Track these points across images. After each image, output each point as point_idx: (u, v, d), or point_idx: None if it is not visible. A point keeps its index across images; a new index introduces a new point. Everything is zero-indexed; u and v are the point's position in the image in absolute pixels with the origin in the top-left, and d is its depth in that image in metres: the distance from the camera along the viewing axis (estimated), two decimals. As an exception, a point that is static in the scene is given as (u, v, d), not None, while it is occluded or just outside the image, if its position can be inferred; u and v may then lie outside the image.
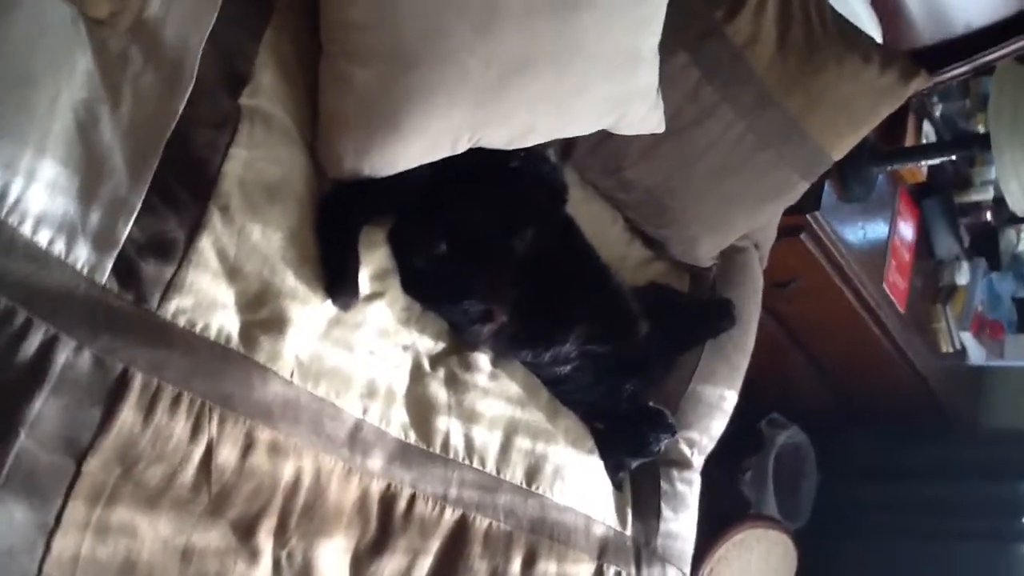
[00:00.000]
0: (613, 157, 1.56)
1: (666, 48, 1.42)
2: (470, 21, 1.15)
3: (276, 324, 1.11)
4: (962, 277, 2.56)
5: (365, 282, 1.24)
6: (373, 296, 1.26)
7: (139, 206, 1.01)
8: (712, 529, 2.13)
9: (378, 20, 1.16)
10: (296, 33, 1.24)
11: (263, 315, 1.11)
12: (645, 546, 1.56)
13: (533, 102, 1.27)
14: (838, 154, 1.70)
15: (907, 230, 2.42)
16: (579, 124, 1.39)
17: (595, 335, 1.49)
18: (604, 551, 1.49)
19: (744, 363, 1.81)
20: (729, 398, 1.78)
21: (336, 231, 1.21)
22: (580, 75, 1.29)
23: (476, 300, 1.35)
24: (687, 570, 1.65)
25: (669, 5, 1.36)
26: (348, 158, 1.22)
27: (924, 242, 2.54)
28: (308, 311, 1.15)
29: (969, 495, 2.49)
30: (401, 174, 1.25)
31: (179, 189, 1.06)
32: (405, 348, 1.32)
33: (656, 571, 1.55)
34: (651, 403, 1.62)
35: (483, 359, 1.42)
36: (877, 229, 2.31)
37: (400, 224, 1.32)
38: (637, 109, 1.41)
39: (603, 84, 1.34)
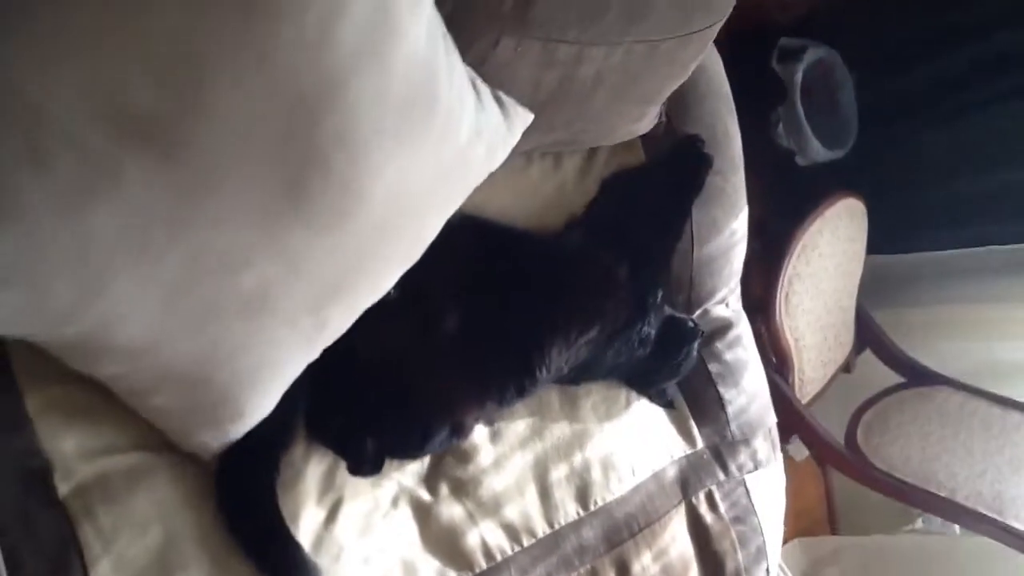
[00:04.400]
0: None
1: (484, 42, 0.95)
2: (241, 314, 0.80)
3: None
4: None
5: (313, 522, 1.07)
6: (329, 519, 1.09)
7: None
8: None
9: (138, 361, 0.83)
10: (62, 382, 0.92)
11: None
12: (723, 443, 1.48)
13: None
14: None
15: None
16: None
17: (578, 327, 1.26)
18: (686, 484, 1.43)
19: (739, 177, 1.51)
20: (740, 223, 1.53)
21: (249, 515, 1.01)
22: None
23: (435, 425, 1.14)
24: (772, 417, 1.58)
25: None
26: (213, 443, 0.98)
27: None
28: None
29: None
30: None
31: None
32: (395, 503, 1.18)
33: (743, 457, 1.49)
34: (666, 309, 1.41)
35: (476, 433, 1.25)
36: None
37: (311, 418, 1.09)
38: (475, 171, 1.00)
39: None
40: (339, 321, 0.93)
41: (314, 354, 0.95)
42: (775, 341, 2.05)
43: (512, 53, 1.00)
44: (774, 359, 2.06)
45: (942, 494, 2.00)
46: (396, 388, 1.11)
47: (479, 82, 0.95)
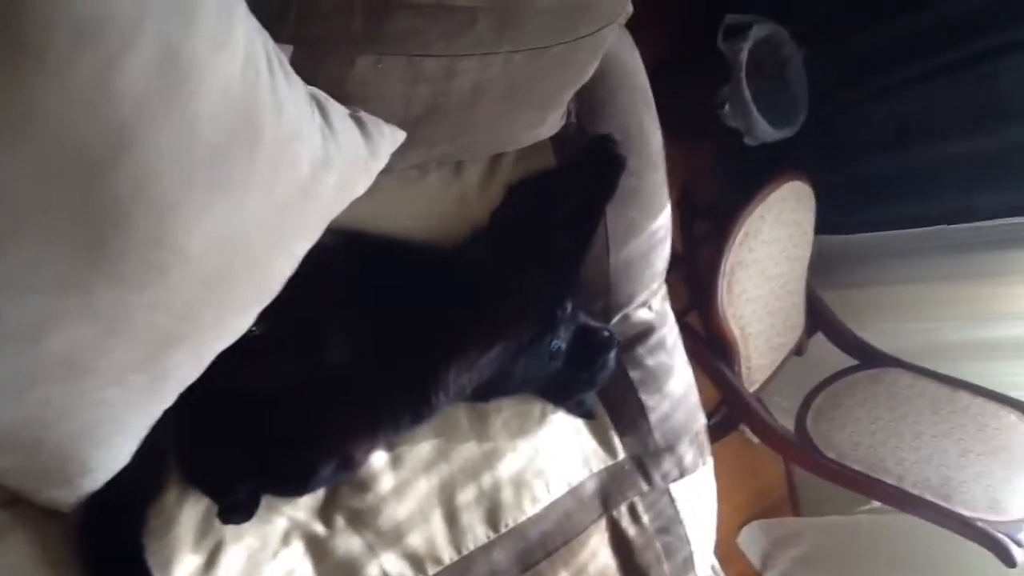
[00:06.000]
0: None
1: (336, 63, 0.87)
2: (57, 379, 0.74)
3: None
4: None
5: (188, 570, 1.02)
6: (208, 565, 1.04)
7: None
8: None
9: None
10: None
11: None
12: (645, 452, 1.44)
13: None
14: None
15: None
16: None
17: (479, 346, 1.20)
18: (607, 498, 1.39)
19: (659, 175, 1.44)
20: (660, 223, 1.46)
21: (113, 569, 0.96)
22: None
23: (320, 460, 1.09)
24: (700, 421, 1.54)
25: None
26: (69, 498, 0.93)
27: None
28: None
29: (975, 11, 2.00)
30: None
31: None
32: (285, 539, 1.13)
33: (667, 465, 1.45)
34: (581, 318, 1.36)
35: (375, 460, 1.20)
36: None
37: (184, 460, 1.04)
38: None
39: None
40: (186, 370, 0.87)
41: (165, 402, 0.89)
42: (719, 331, 2.00)
43: (373, 71, 0.93)
44: (718, 348, 2.02)
45: (889, 481, 1.97)
46: (277, 424, 1.05)
47: (330, 105, 0.88)
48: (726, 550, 2.71)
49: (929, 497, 1.93)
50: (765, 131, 2.26)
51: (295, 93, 0.81)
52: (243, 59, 0.71)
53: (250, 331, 0.95)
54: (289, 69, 0.82)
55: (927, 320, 2.27)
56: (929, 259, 2.20)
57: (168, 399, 0.89)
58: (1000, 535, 1.84)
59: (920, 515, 1.95)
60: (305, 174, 0.82)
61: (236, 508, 1.03)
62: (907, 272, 2.27)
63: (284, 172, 0.79)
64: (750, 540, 2.73)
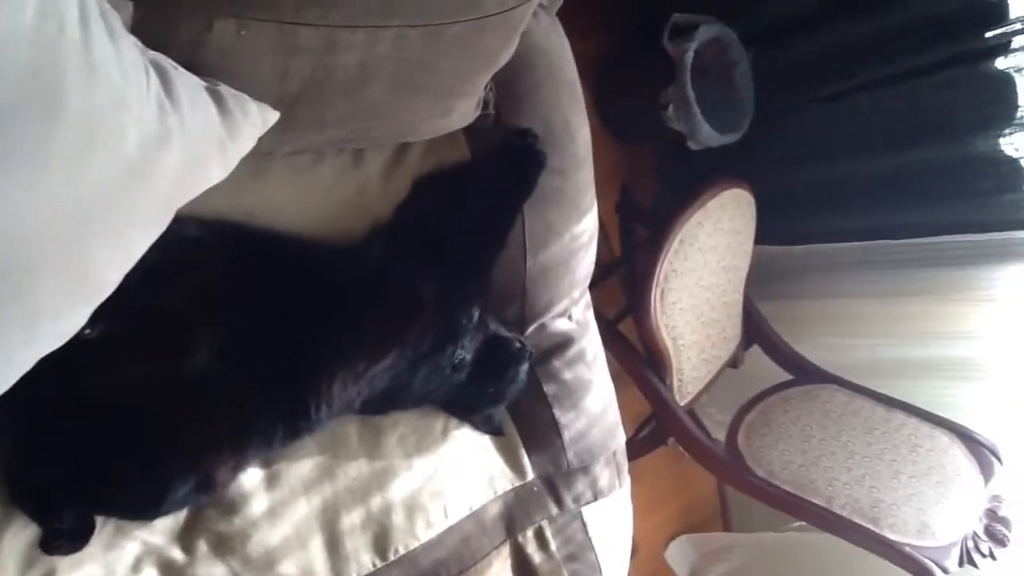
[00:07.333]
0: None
1: (190, 26, 0.74)
2: None
3: None
4: None
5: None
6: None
7: None
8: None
9: None
10: None
11: None
12: (557, 472, 1.33)
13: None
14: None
15: None
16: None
17: (368, 355, 1.08)
18: (511, 521, 1.29)
19: (584, 175, 1.34)
20: (584, 227, 1.36)
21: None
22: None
23: (173, 480, 0.96)
24: (618, 440, 1.43)
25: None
26: None
27: None
28: None
29: (921, 22, 1.94)
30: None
31: None
32: (136, 567, 1.00)
33: (580, 486, 1.35)
34: (491, 326, 1.25)
35: (246, 478, 1.07)
36: None
37: (12, 476, 0.90)
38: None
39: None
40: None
41: None
42: (650, 341, 1.91)
43: (235, 38, 0.80)
44: (650, 359, 1.93)
45: (819, 502, 1.91)
46: (120, 437, 0.92)
47: (176, 74, 0.75)
48: (653, 565, 2.63)
49: (857, 520, 1.87)
50: (708, 135, 2.18)
51: (123, 56, 0.68)
52: (36, 9, 0.58)
53: (82, 332, 0.81)
54: (119, 28, 0.69)
55: (865, 336, 2.22)
56: (871, 274, 2.14)
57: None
58: (927, 561, 1.79)
59: (847, 538, 1.89)
60: (132, 152, 0.69)
61: (61, 536, 0.90)
62: (847, 286, 2.21)
63: (101, 149, 0.66)
64: (678, 554, 2.66)
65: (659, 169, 2.55)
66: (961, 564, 1.84)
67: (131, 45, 0.70)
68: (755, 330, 2.24)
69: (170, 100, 0.73)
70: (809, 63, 2.15)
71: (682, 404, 2.03)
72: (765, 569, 2.54)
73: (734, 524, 2.81)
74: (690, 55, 2.12)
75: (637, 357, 1.98)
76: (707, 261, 1.98)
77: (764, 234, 2.14)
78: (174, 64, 0.76)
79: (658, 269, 1.86)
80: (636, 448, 2.09)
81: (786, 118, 2.22)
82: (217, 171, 0.82)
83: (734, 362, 2.23)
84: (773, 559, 2.55)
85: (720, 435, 2.28)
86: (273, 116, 0.86)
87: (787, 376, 2.23)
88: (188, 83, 0.76)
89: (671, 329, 1.94)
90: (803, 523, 2.50)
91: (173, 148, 0.73)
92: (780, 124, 2.25)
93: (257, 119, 0.84)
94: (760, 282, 2.20)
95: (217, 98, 0.80)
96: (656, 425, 2.14)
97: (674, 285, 1.90)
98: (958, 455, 2.00)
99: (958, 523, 1.88)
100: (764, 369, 2.28)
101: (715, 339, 2.11)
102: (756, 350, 2.28)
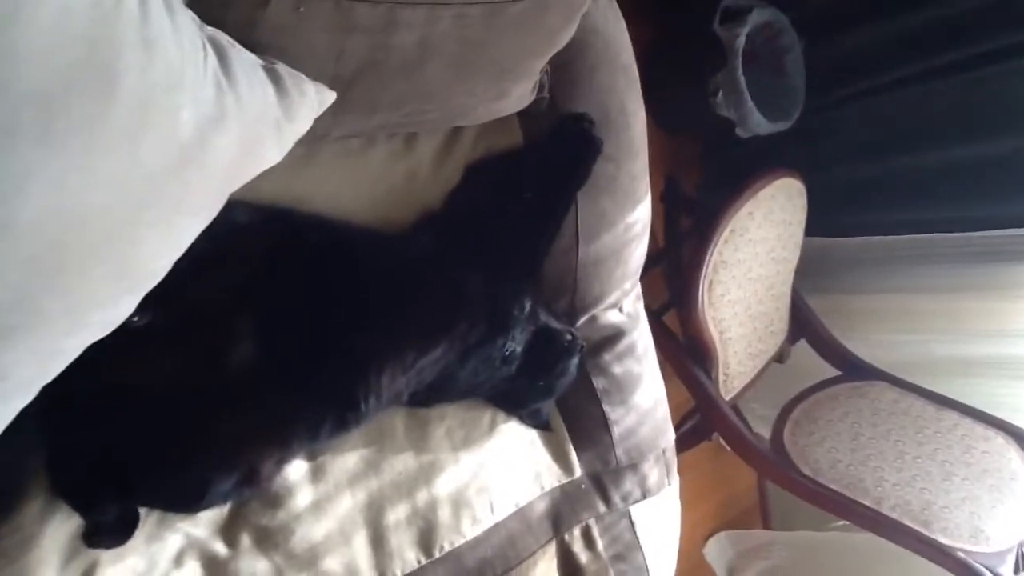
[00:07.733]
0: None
1: (249, 3, 0.71)
2: None
3: None
4: None
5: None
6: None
7: None
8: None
9: None
10: None
11: None
12: (605, 469, 1.29)
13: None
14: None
15: None
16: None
17: (417, 346, 1.05)
18: (558, 520, 1.25)
19: (639, 163, 1.29)
20: (637, 217, 1.31)
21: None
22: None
23: (217, 474, 0.93)
24: (668, 437, 1.39)
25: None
26: None
27: None
28: None
29: (988, 7, 1.85)
30: None
31: None
32: (178, 560, 0.97)
33: (628, 484, 1.31)
34: (541, 317, 1.20)
35: (291, 469, 1.05)
36: None
37: (54, 469, 0.88)
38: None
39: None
40: (30, 368, 0.70)
41: (12, 404, 0.73)
42: (697, 334, 1.86)
43: (292, 14, 0.76)
44: (695, 352, 1.88)
45: (867, 503, 1.85)
46: (165, 428, 0.89)
47: (234, 52, 0.71)
48: (692, 560, 2.59)
49: (908, 523, 1.81)
50: (759, 123, 2.11)
51: (180, 32, 0.64)
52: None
53: (130, 320, 0.78)
54: (177, 1, 0.65)
55: (916, 332, 2.14)
56: (922, 268, 2.06)
57: (15, 401, 0.72)
58: (980, 567, 1.73)
59: (896, 541, 1.83)
60: (188, 134, 0.65)
61: (104, 529, 0.87)
62: (899, 281, 2.13)
63: (155, 130, 0.62)
64: (717, 551, 2.61)
65: (703, 158, 2.48)
66: (1017, 571, 1.78)
67: (189, 20, 0.66)
68: (803, 324, 2.17)
69: (227, 79, 0.69)
70: (866, 49, 2.06)
71: (727, 399, 1.97)
72: (805, 568, 2.49)
73: (774, 521, 2.76)
74: (742, 40, 2.05)
75: (682, 351, 1.93)
76: (757, 252, 1.92)
77: (813, 225, 2.07)
78: (231, 41, 0.73)
79: (707, 260, 1.80)
80: (678, 443, 2.05)
81: (841, 106, 2.14)
82: (273, 154, 0.78)
83: (780, 357, 2.17)
84: (814, 558, 2.49)
85: (762, 430, 2.23)
86: (330, 96, 0.83)
87: (834, 372, 2.16)
88: (246, 61, 0.73)
89: (718, 322, 1.88)
90: (846, 523, 2.44)
91: (229, 129, 0.69)
92: (834, 112, 2.17)
93: (314, 100, 0.80)
94: (808, 275, 2.14)
95: (274, 77, 0.76)
96: (700, 420, 2.08)
97: (723, 276, 1.85)
98: (1014, 458, 1.93)
99: (1014, 528, 1.81)
100: (810, 364, 2.21)
101: (762, 333, 2.05)
102: (802, 346, 2.22)
